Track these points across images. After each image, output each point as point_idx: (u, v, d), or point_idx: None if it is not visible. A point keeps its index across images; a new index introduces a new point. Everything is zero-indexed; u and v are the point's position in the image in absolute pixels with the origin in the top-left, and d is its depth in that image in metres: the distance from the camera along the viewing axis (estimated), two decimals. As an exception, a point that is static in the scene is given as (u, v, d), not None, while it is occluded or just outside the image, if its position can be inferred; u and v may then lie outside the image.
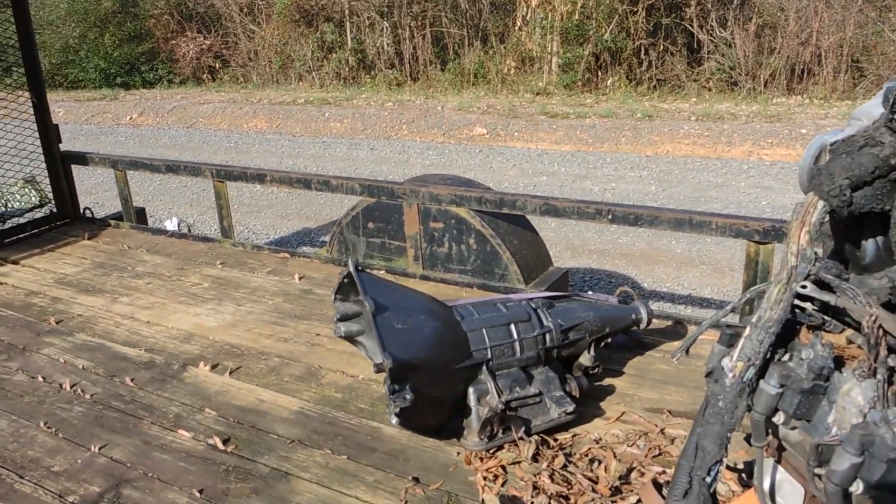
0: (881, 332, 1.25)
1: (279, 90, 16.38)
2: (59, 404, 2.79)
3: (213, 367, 3.01)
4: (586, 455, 2.31)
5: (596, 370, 2.66)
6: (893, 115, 1.38)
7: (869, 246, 1.47)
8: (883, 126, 1.41)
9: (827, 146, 1.54)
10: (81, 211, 5.15)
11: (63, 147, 5.05)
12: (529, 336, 2.45)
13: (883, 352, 1.25)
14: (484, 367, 2.35)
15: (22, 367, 3.10)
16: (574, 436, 2.42)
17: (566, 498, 2.09)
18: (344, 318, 2.48)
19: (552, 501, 2.07)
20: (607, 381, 2.74)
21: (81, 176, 5.30)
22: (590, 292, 3.43)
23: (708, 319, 1.59)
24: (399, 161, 10.87)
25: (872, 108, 1.50)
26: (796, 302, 1.39)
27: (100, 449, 2.48)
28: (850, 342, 1.44)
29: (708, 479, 1.28)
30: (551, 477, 2.18)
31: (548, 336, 2.50)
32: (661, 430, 2.42)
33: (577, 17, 13.86)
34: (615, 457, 2.28)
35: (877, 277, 1.42)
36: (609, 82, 14.01)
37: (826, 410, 1.28)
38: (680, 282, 6.17)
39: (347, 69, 16.33)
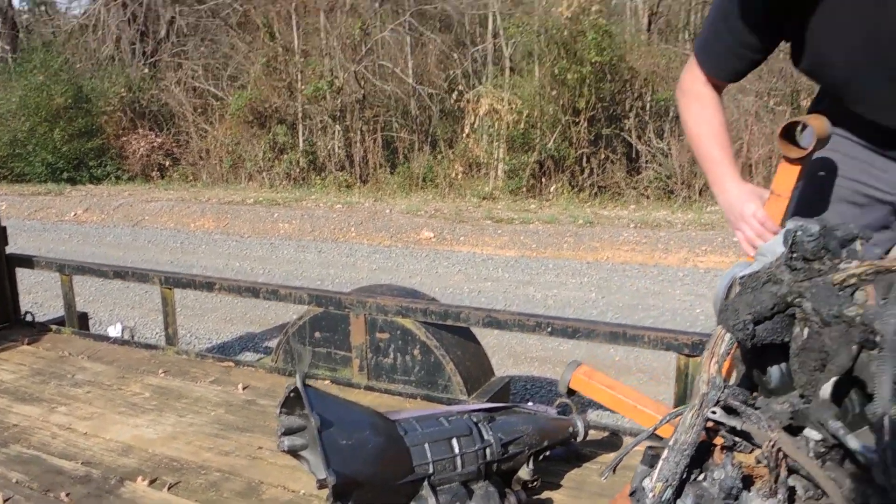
0: (781, 454, 1.38)
1: (228, 189, 16.49)
2: (-11, 521, 2.71)
3: (152, 481, 2.96)
4: (525, 570, 2.34)
5: (534, 483, 2.72)
6: (792, 255, 1.56)
7: (774, 372, 1.62)
8: (783, 265, 1.58)
9: (737, 280, 1.71)
10: (22, 314, 5.08)
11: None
12: (470, 451, 2.51)
13: (783, 473, 1.38)
14: (426, 483, 2.40)
15: (-49, 481, 3.01)
16: (513, 550, 2.45)
17: None
18: (288, 431, 2.51)
19: None
20: (545, 494, 2.79)
21: (22, 274, 5.24)
22: (530, 403, 3.52)
23: (633, 441, 1.70)
24: (346, 264, 10.97)
25: (776, 246, 1.68)
26: (710, 423, 1.52)
27: (31, 569, 2.42)
28: (758, 461, 1.57)
29: None
30: None
31: (488, 450, 2.56)
32: (598, 544, 2.48)
33: (522, 125, 14.53)
34: (553, 572, 2.32)
35: (780, 402, 1.56)
36: (552, 188, 14.55)
37: (736, 529, 1.39)
38: (620, 388, 6.29)
39: (298, 170, 16.61)
